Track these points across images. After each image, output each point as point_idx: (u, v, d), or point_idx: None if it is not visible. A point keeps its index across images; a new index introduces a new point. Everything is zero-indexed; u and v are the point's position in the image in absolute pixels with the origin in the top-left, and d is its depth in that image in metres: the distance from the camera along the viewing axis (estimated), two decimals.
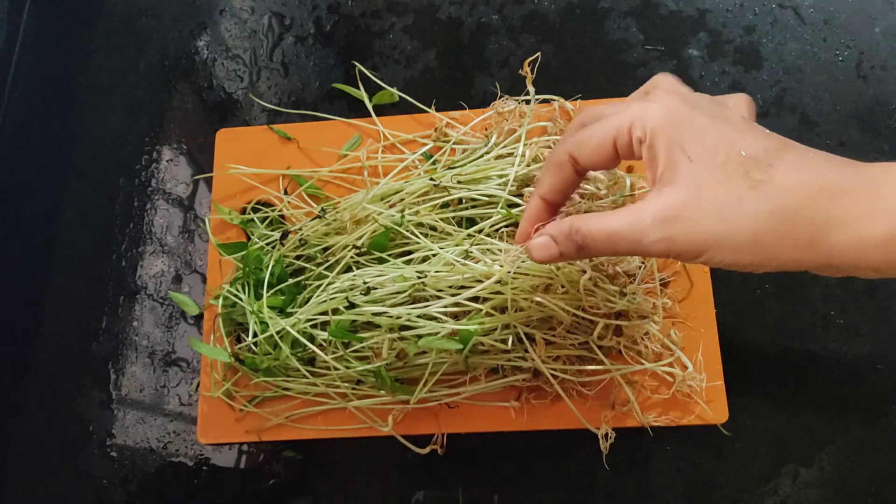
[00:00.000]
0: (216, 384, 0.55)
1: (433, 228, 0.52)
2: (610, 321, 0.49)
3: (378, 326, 0.49)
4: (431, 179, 0.52)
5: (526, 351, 0.48)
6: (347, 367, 0.49)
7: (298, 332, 0.49)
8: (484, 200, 0.52)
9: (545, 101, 0.56)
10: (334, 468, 0.55)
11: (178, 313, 0.60)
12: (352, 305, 0.48)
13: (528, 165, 0.51)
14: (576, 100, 0.56)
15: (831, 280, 0.55)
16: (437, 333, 0.47)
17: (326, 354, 0.49)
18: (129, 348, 0.59)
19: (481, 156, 0.54)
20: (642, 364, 0.51)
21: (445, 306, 0.47)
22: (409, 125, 0.59)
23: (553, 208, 0.40)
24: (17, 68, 0.67)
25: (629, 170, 0.53)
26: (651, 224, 0.32)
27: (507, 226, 0.51)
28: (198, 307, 0.59)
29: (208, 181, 0.62)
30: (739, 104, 0.36)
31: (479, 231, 0.50)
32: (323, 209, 0.54)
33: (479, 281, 0.46)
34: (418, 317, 0.47)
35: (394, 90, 0.60)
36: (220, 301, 0.54)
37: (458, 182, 0.52)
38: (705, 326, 0.53)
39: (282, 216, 0.57)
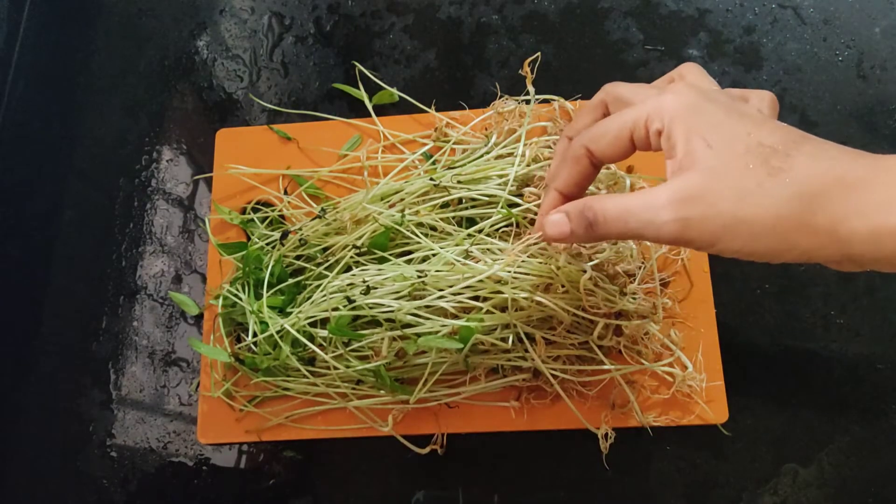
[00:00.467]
0: (216, 384, 0.55)
1: (433, 228, 0.52)
2: (610, 321, 0.49)
3: (378, 325, 0.49)
4: (431, 179, 0.52)
5: (526, 351, 0.48)
6: (347, 367, 0.49)
7: (298, 330, 0.49)
8: (484, 200, 0.52)
9: (545, 101, 0.56)
10: (334, 468, 0.55)
11: (178, 313, 0.60)
12: (351, 303, 0.48)
13: (528, 165, 0.51)
14: (576, 100, 0.56)
15: (831, 280, 0.55)
16: (437, 332, 0.47)
17: (326, 354, 0.49)
18: (129, 348, 0.59)
19: (481, 156, 0.54)
20: (642, 364, 0.50)
21: (446, 302, 0.47)
22: (409, 125, 0.59)
23: (569, 202, 0.40)
24: (17, 68, 0.67)
25: (629, 170, 0.53)
26: (666, 204, 0.32)
27: (506, 226, 0.51)
28: (198, 307, 0.59)
29: (208, 181, 0.62)
30: (763, 101, 0.36)
31: (479, 231, 0.50)
32: (323, 209, 0.54)
33: (481, 282, 0.46)
34: (418, 311, 0.47)
35: (394, 90, 0.60)
36: (220, 301, 0.54)
37: (458, 182, 0.52)
38: (705, 326, 0.53)
39: (282, 216, 0.57)
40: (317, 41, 0.65)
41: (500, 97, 0.56)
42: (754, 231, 0.31)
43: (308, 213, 0.57)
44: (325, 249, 0.53)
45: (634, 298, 0.49)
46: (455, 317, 0.48)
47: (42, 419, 0.59)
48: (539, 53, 0.57)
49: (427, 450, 0.52)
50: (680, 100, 0.33)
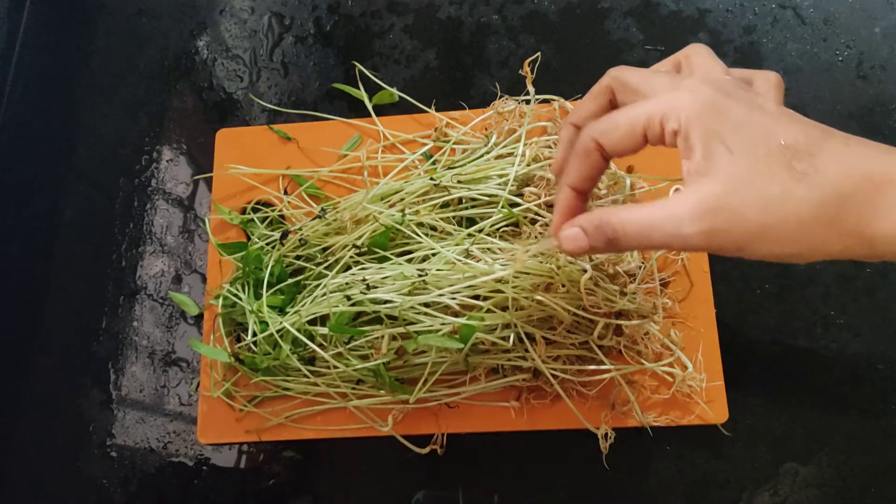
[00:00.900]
0: (216, 384, 0.55)
1: (433, 228, 0.52)
2: (610, 321, 0.49)
3: (379, 323, 0.49)
4: (431, 179, 0.52)
5: (526, 350, 0.48)
6: (347, 366, 0.49)
7: (298, 329, 0.49)
8: (484, 200, 0.52)
9: (545, 101, 0.56)
10: (334, 468, 0.55)
11: (178, 313, 0.60)
12: (351, 301, 0.48)
13: (528, 165, 0.51)
14: (576, 100, 0.56)
15: (831, 280, 0.55)
16: (437, 331, 0.47)
17: (326, 353, 0.49)
18: (129, 348, 0.59)
19: (481, 156, 0.54)
20: (642, 364, 0.50)
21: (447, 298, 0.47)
22: (409, 125, 0.59)
23: (583, 196, 0.39)
24: (17, 68, 0.67)
25: (629, 170, 0.53)
26: (689, 215, 0.31)
27: (507, 225, 0.51)
28: (198, 307, 0.59)
29: (208, 181, 0.62)
30: (769, 83, 0.35)
31: (480, 231, 0.50)
32: (323, 209, 0.54)
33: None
34: (418, 307, 0.47)
35: (394, 90, 0.60)
36: (220, 301, 0.54)
37: (459, 182, 0.52)
38: (705, 326, 0.53)
39: (282, 216, 0.57)
40: (317, 41, 0.65)
41: (500, 97, 0.56)
42: (781, 237, 0.30)
43: (308, 213, 0.57)
44: (325, 249, 0.53)
45: (634, 298, 0.49)
46: (455, 315, 0.48)
47: (42, 419, 0.59)
48: (539, 53, 0.57)
49: (427, 450, 0.52)
50: (697, 98, 0.32)
